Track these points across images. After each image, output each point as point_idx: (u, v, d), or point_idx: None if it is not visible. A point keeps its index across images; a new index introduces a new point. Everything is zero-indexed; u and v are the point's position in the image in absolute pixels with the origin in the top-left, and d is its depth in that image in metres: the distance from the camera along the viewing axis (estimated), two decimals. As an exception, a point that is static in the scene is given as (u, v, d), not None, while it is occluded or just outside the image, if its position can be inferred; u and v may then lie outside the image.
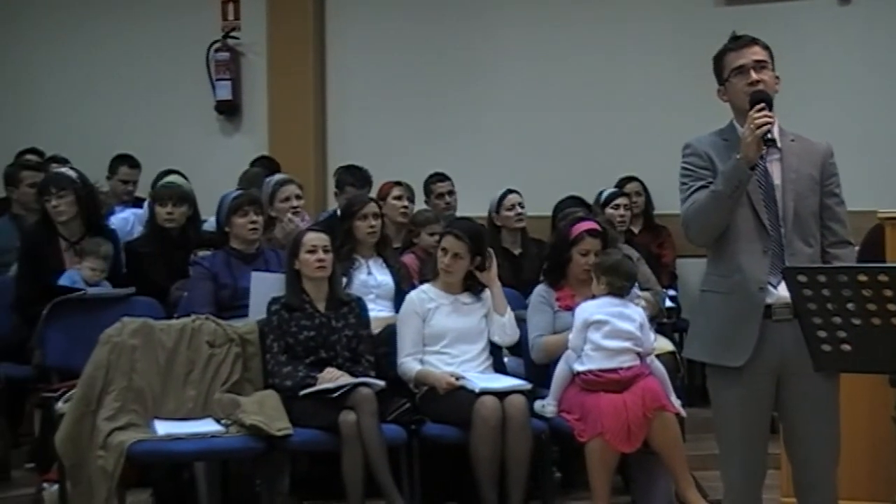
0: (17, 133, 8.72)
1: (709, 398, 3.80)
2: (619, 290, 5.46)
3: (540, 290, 5.79)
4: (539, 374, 5.65)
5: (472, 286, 5.69)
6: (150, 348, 5.36)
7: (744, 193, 3.63)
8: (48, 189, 6.09)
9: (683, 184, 3.75)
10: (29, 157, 7.89)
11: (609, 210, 6.99)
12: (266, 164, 7.75)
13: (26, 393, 6.28)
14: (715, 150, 3.74)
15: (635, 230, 7.55)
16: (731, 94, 3.76)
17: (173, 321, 5.59)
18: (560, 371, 5.48)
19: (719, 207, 3.63)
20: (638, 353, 5.39)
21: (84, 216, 6.12)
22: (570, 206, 6.64)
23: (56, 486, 5.38)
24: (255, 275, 5.77)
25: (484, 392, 5.31)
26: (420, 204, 7.22)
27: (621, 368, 5.33)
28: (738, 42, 3.77)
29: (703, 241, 3.75)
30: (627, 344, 5.37)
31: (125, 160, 7.87)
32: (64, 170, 6.33)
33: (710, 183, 3.66)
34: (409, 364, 5.53)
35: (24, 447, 6.24)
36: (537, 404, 5.44)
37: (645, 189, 7.73)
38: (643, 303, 5.72)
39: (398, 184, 6.93)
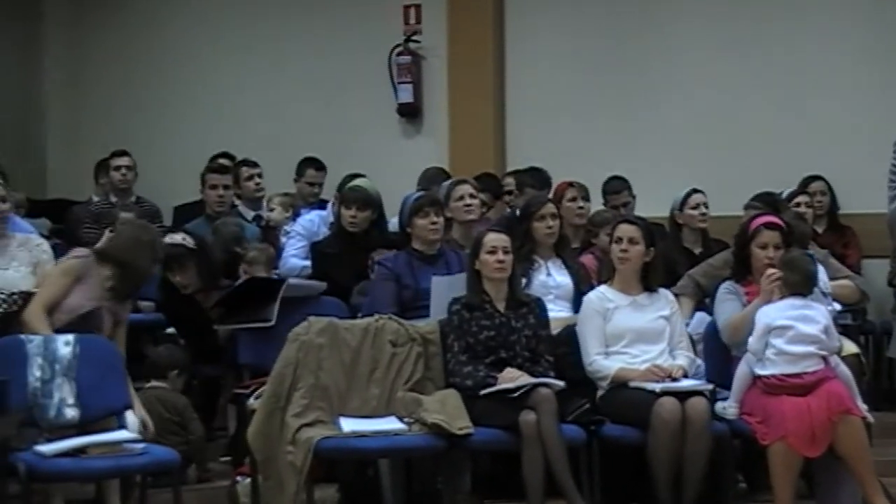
0: (211, 138, 9.05)
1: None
2: (796, 288, 5.37)
3: (726, 286, 5.72)
4: (720, 374, 5.59)
5: (650, 285, 5.67)
6: (336, 347, 5.46)
7: None
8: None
9: (892, 181, 3.63)
10: (221, 160, 8.19)
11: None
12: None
13: (220, 389, 6.53)
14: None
15: (819, 230, 7.40)
16: None
17: (358, 321, 5.70)
18: (741, 372, 5.42)
19: None
20: (822, 357, 5.29)
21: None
22: (759, 203, 6.55)
23: (249, 480, 5.55)
24: (434, 279, 5.85)
25: (664, 393, 5.30)
26: (597, 204, 7.21)
27: (805, 373, 5.24)
28: None
29: None
30: (812, 348, 5.28)
31: (311, 163, 8.06)
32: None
33: None
34: (601, 362, 5.51)
35: (218, 441, 6.47)
36: (718, 406, 5.39)
37: (830, 188, 7.58)
38: (834, 305, 5.64)
39: (571, 184, 6.93)
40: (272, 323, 5.83)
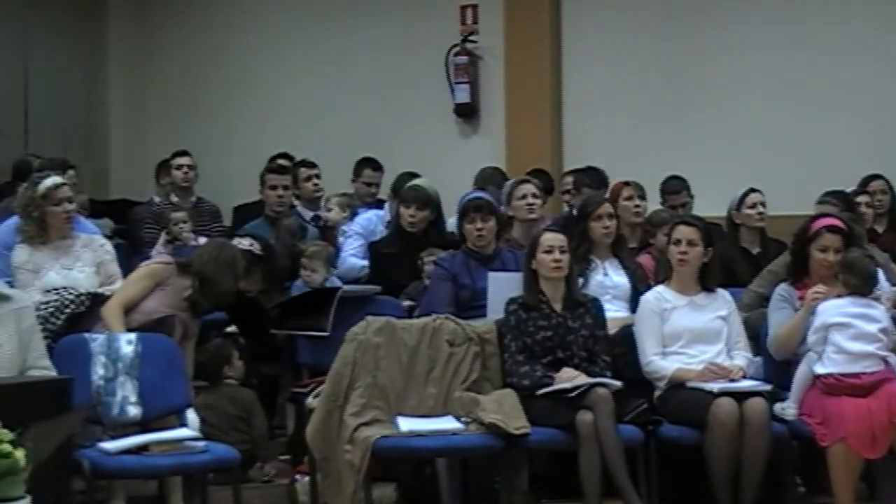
0: (270, 138, 9.14)
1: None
2: (855, 289, 5.34)
3: (781, 288, 5.69)
4: (779, 375, 5.57)
5: (707, 285, 5.66)
6: (393, 347, 5.48)
7: None
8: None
9: None
10: (280, 161, 8.26)
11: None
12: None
13: (279, 388, 6.59)
14: None
15: (879, 229, 7.33)
16: None
17: (415, 320, 5.73)
18: (801, 373, 5.39)
19: None
20: (882, 358, 5.25)
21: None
22: (834, 200, 6.50)
23: (307, 478, 5.61)
24: (491, 275, 5.86)
25: (722, 393, 5.28)
26: (654, 203, 7.20)
27: (864, 373, 5.21)
28: None
29: None
30: (872, 347, 5.24)
31: (369, 163, 8.09)
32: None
33: None
34: (659, 363, 5.51)
35: (277, 440, 6.53)
36: (777, 407, 5.37)
37: (890, 187, 7.50)
38: (888, 303, 5.58)
39: (627, 184, 6.92)
40: (327, 333, 5.86)
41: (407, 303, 6.21)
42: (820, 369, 5.29)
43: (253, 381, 6.48)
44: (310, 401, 5.56)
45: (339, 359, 5.43)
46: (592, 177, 7.31)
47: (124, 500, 5.29)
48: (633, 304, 5.85)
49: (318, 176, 7.91)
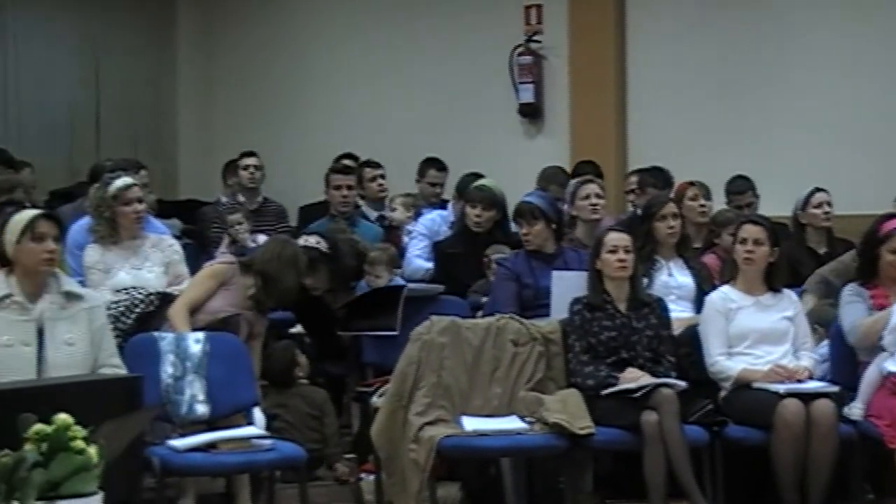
0: (335, 138, 9.20)
1: None
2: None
3: (850, 287, 5.64)
4: (846, 377, 5.52)
5: (774, 285, 5.62)
6: (458, 346, 5.49)
7: None
8: None
9: None
10: (345, 161, 8.31)
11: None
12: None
13: (344, 388, 6.64)
14: None
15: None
16: None
17: (479, 320, 5.74)
18: (870, 374, 5.35)
19: None
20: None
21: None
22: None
23: (373, 477, 5.65)
24: (555, 273, 5.86)
25: (788, 394, 5.25)
26: (719, 203, 7.16)
27: (935, 375, 5.16)
28: None
29: None
30: (946, 349, 5.19)
31: (433, 163, 8.12)
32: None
33: None
34: (724, 363, 5.48)
35: (343, 439, 6.58)
36: (845, 409, 5.33)
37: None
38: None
39: (692, 183, 6.90)
40: (397, 332, 5.88)
41: (483, 299, 6.19)
42: (891, 366, 5.23)
43: (319, 380, 6.53)
44: (375, 400, 5.59)
45: (403, 358, 5.45)
46: (657, 176, 7.28)
47: (194, 497, 5.35)
48: (698, 305, 5.82)
49: (382, 176, 7.96)
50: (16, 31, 9.44)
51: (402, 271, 6.78)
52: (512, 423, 5.30)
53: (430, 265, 6.81)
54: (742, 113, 8.18)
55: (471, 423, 5.26)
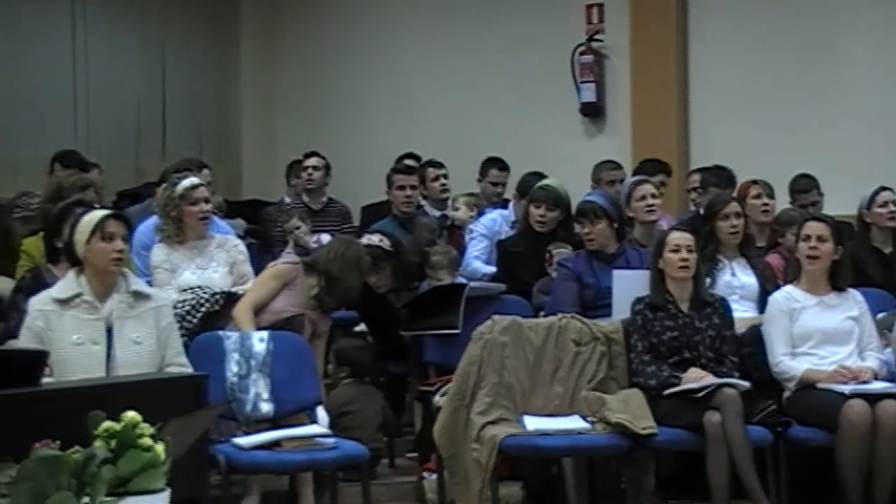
0: (398, 138, 9.25)
1: None
2: None
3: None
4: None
5: (838, 284, 5.57)
6: (520, 346, 5.50)
7: None
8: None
9: None
10: (407, 161, 8.34)
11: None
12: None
13: (406, 387, 6.67)
14: None
15: None
16: None
17: (541, 319, 5.74)
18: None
19: None
20: None
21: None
22: None
23: (435, 476, 5.67)
24: (616, 273, 5.86)
25: (854, 395, 5.20)
26: (783, 202, 7.10)
27: None
28: None
29: None
30: None
31: (495, 163, 8.12)
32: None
33: None
34: (788, 363, 5.46)
35: (405, 437, 6.61)
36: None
37: None
38: None
39: (755, 182, 6.84)
40: (459, 331, 5.89)
41: (546, 297, 6.20)
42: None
43: (381, 379, 6.57)
44: (437, 399, 5.62)
45: (465, 358, 5.47)
46: (720, 175, 7.24)
47: (259, 495, 5.40)
48: (761, 305, 5.79)
49: (445, 176, 7.97)
50: (85, 35, 9.58)
51: (462, 271, 6.79)
52: (574, 422, 5.30)
53: (488, 269, 6.81)
54: (806, 111, 8.10)
55: (533, 423, 5.27)
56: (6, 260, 6.20)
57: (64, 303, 4.74)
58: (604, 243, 6.04)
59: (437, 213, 7.79)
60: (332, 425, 5.34)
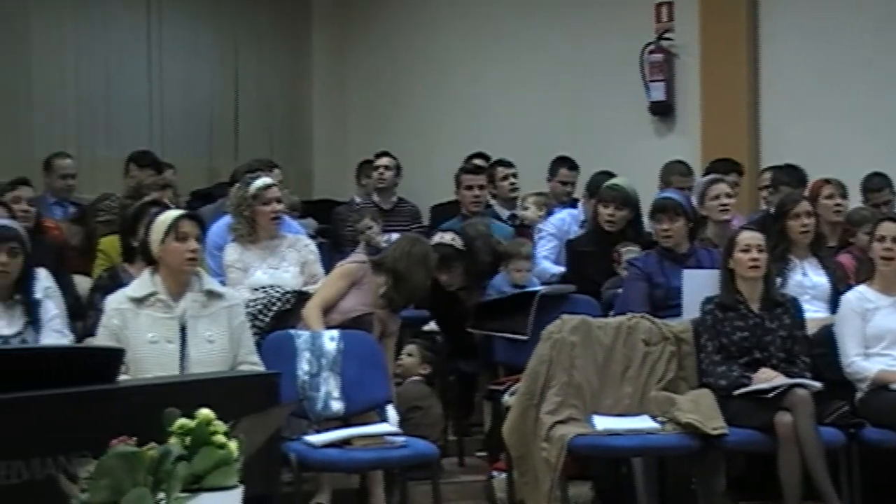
0: (468, 138, 9.27)
1: None
2: None
3: None
4: None
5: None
6: (589, 345, 5.50)
7: None
8: None
9: None
10: (476, 161, 8.36)
11: None
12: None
13: (475, 386, 6.69)
14: None
15: None
16: None
17: (610, 319, 5.74)
18: None
19: None
20: None
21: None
22: None
23: (504, 475, 5.69)
24: (686, 272, 5.83)
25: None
26: (855, 202, 7.02)
27: None
28: None
29: None
30: None
31: (564, 162, 8.10)
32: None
33: None
34: (861, 364, 5.42)
35: (474, 436, 6.62)
36: None
37: None
38: None
39: (828, 181, 6.78)
40: (527, 338, 5.87)
41: (619, 290, 6.18)
42: None
43: (450, 378, 6.59)
44: (506, 398, 5.63)
45: (534, 357, 5.47)
46: (791, 174, 7.18)
47: (330, 493, 5.44)
48: (833, 305, 5.74)
49: (514, 175, 7.98)
50: (160, 37, 9.73)
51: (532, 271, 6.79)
52: (643, 422, 5.29)
53: (557, 269, 6.81)
54: (878, 109, 7.99)
55: (602, 423, 5.26)
56: (87, 260, 6.33)
57: (139, 301, 4.81)
58: (679, 241, 6.02)
59: (507, 213, 7.80)
60: (401, 422, 5.38)
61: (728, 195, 6.49)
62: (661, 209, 6.05)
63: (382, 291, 5.70)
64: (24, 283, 5.01)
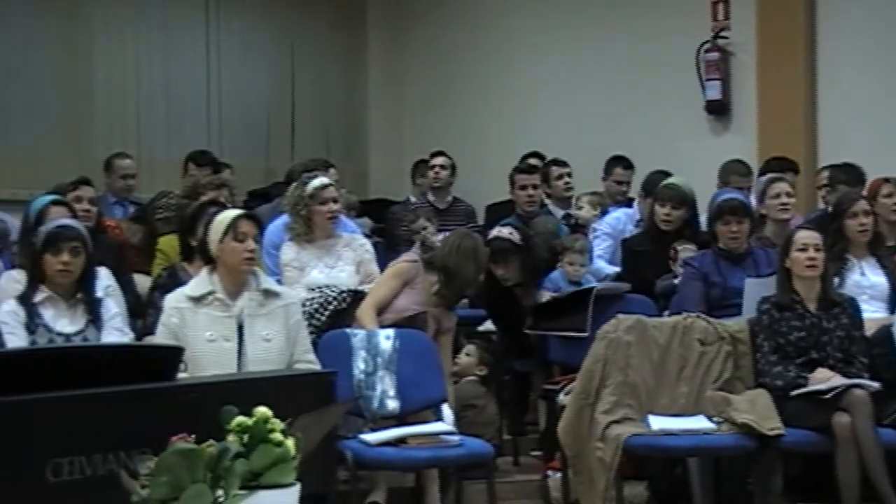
0: (522, 137, 9.28)
1: None
2: None
3: None
4: None
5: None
6: (644, 345, 5.49)
7: None
8: None
9: None
10: (530, 160, 8.35)
11: None
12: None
13: (531, 385, 6.69)
14: None
15: None
16: None
17: (666, 319, 5.72)
18: None
19: None
20: None
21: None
22: None
23: (559, 475, 5.69)
24: (748, 281, 5.78)
25: None
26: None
27: None
28: None
29: None
30: None
31: (620, 161, 8.08)
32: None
33: None
34: None
35: (529, 436, 6.63)
36: None
37: None
38: None
39: (887, 180, 6.70)
40: (587, 334, 5.86)
41: (675, 280, 6.16)
42: None
43: (505, 377, 6.59)
44: (561, 398, 5.62)
45: (590, 356, 5.47)
46: (849, 173, 7.11)
47: (385, 491, 5.46)
48: (892, 305, 5.70)
49: (569, 174, 7.96)
50: (218, 37, 9.83)
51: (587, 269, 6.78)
52: (699, 422, 5.27)
53: (611, 269, 6.80)
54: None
55: (658, 422, 5.25)
56: (147, 259, 6.41)
57: (197, 300, 4.87)
58: (743, 242, 5.99)
59: (561, 213, 7.79)
60: (455, 421, 5.39)
61: (788, 194, 6.45)
62: (731, 210, 5.99)
63: (435, 289, 5.72)
64: (85, 282, 5.08)
